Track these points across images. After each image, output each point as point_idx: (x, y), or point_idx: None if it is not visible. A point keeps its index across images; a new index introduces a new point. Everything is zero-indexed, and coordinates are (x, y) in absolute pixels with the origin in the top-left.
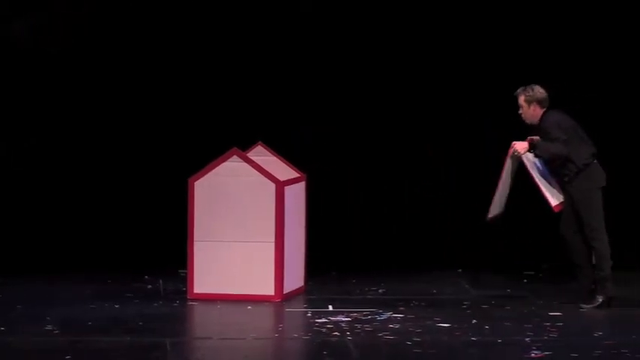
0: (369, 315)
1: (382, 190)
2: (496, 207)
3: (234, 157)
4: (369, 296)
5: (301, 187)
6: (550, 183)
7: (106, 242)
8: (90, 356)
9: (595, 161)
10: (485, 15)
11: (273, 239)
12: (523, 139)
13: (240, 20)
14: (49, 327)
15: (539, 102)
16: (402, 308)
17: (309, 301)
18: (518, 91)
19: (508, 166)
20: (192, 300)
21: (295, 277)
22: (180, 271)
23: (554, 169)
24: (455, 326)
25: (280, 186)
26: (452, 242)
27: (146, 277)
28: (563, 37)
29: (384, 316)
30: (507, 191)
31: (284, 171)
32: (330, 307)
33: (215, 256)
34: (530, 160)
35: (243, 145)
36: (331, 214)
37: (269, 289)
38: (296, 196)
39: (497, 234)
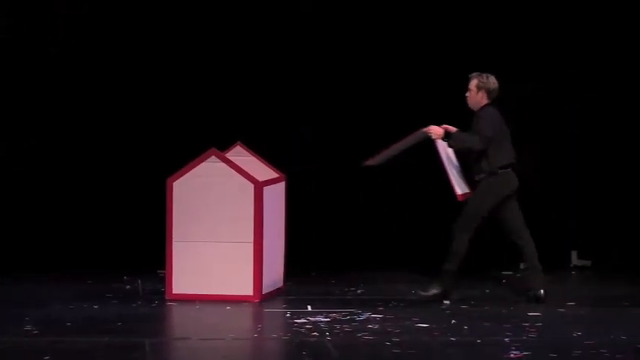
0: (348, 315)
1: (362, 189)
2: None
3: (213, 157)
4: (348, 297)
5: (281, 187)
6: (458, 172)
7: (84, 243)
8: (69, 357)
9: (510, 170)
10: (485, 14)
11: (251, 239)
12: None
13: (239, 20)
14: (28, 327)
15: (489, 92)
16: (381, 308)
17: (288, 302)
18: (473, 74)
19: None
20: (171, 300)
21: (274, 278)
22: (158, 271)
23: (470, 164)
24: (434, 326)
25: (259, 186)
26: (430, 242)
27: (125, 277)
28: (563, 38)
29: (363, 317)
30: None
31: (263, 171)
32: (309, 308)
33: (194, 257)
34: (442, 145)
35: (222, 145)
36: (310, 214)
37: (248, 290)
38: (275, 197)
39: (476, 234)
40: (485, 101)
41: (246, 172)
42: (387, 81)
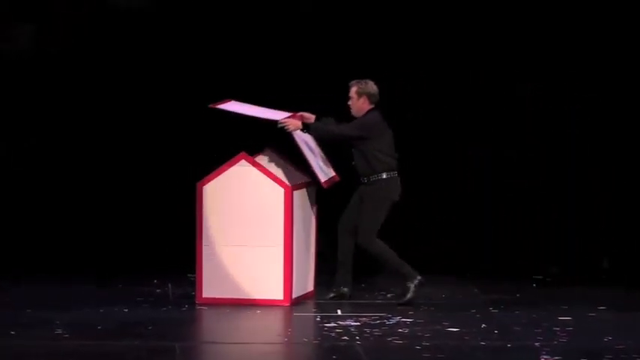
0: (378, 319)
1: (417, 195)
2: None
3: (243, 161)
4: (378, 300)
5: (311, 191)
6: (321, 159)
7: (115, 246)
8: None
9: (395, 175)
10: (485, 15)
11: (281, 243)
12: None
13: (242, 20)
14: (58, 331)
15: (369, 96)
16: (411, 312)
17: (318, 306)
18: (352, 82)
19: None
20: (201, 304)
21: (304, 282)
22: (189, 275)
23: (357, 167)
24: (464, 330)
25: (289, 190)
26: (460, 246)
27: (155, 281)
28: (563, 38)
29: (393, 321)
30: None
31: (293, 175)
32: (339, 312)
33: (224, 261)
34: (300, 137)
35: (251, 149)
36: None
37: (278, 294)
38: (305, 200)
39: (507, 238)
40: (367, 106)
41: (276, 176)
42: (388, 81)
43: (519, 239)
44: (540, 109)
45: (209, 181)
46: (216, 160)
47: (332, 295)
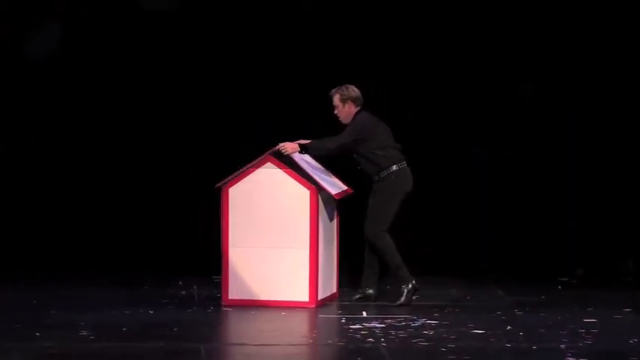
0: (403, 321)
1: (417, 196)
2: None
3: (268, 163)
4: None
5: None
6: (327, 175)
7: (140, 248)
8: None
9: (405, 165)
10: (485, 15)
11: (307, 245)
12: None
13: (242, 20)
14: (83, 332)
15: (354, 100)
16: (436, 314)
17: (343, 307)
18: (333, 91)
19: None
20: (227, 306)
21: (329, 283)
22: (214, 277)
23: (365, 169)
24: (489, 332)
25: (314, 192)
26: (486, 249)
27: (180, 283)
28: (563, 38)
29: (418, 323)
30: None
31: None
32: (365, 314)
33: (249, 263)
34: (300, 159)
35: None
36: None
37: (303, 296)
38: (329, 202)
39: (532, 240)
40: (354, 110)
41: (302, 178)
42: (388, 81)
43: (541, 241)
44: (540, 109)
45: (235, 182)
46: (240, 162)
47: (358, 296)
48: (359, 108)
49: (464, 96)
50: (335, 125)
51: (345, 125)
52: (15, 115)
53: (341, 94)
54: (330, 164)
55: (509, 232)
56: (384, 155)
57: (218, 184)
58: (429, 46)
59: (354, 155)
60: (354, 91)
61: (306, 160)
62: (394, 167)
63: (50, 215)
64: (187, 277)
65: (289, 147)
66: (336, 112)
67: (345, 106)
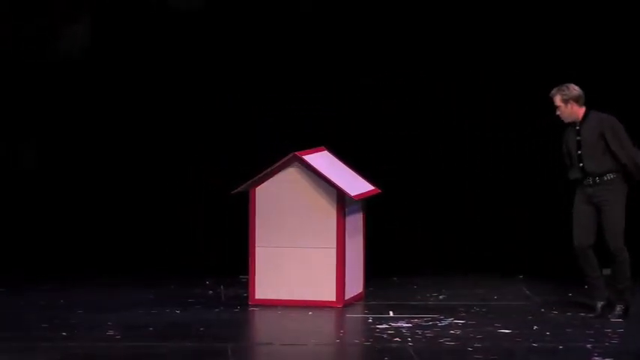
0: (430, 321)
1: (443, 195)
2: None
3: (295, 163)
4: (430, 302)
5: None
6: (349, 175)
7: (168, 247)
8: None
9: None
10: (487, 15)
11: (334, 245)
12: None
13: (242, 20)
14: (110, 332)
15: (576, 99)
16: (463, 314)
17: (370, 307)
18: (553, 91)
19: None
20: (254, 306)
21: (355, 283)
22: (241, 276)
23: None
24: (516, 332)
25: (342, 192)
26: (513, 248)
27: (207, 282)
28: (563, 38)
29: (445, 322)
30: None
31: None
32: (391, 313)
33: (276, 262)
34: (315, 161)
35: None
36: (391, 219)
37: (330, 295)
38: (356, 202)
39: (558, 240)
40: (578, 109)
41: (329, 177)
42: (388, 80)
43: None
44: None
45: (262, 182)
46: (241, 162)
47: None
48: (584, 107)
49: (464, 95)
50: (334, 125)
51: (566, 124)
52: (20, 115)
53: (562, 95)
54: (358, 164)
55: (537, 231)
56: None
57: (245, 184)
58: (429, 44)
59: (590, 150)
60: (575, 89)
61: (330, 160)
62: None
63: (78, 216)
64: (214, 276)
65: None
66: (558, 112)
67: (567, 106)
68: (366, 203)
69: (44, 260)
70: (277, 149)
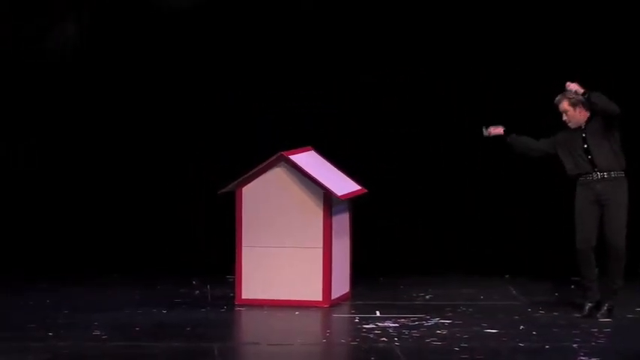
0: (416, 321)
1: (429, 195)
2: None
3: (282, 162)
4: (417, 302)
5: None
6: (335, 175)
7: (154, 247)
8: None
9: None
10: (486, 12)
11: (321, 245)
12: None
13: (243, 19)
14: (97, 332)
15: (584, 104)
16: (449, 314)
17: (356, 307)
18: (558, 98)
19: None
20: (240, 305)
21: (342, 283)
22: (228, 276)
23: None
24: (502, 332)
25: (328, 192)
26: (499, 248)
27: (194, 282)
28: (562, 38)
29: (431, 322)
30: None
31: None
32: (378, 313)
33: (263, 262)
34: (302, 161)
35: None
36: (378, 219)
37: (317, 295)
38: (343, 202)
39: (545, 240)
40: (585, 113)
41: (316, 177)
42: (388, 77)
43: (555, 239)
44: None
45: (248, 182)
46: (241, 161)
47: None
48: (589, 112)
49: (464, 96)
50: (333, 123)
51: (574, 130)
52: (18, 115)
53: (569, 99)
54: (344, 164)
55: (522, 231)
56: (622, 154)
57: (231, 184)
58: (429, 42)
59: (593, 144)
60: (579, 94)
61: (316, 160)
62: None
63: (63, 215)
64: (201, 276)
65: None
66: (565, 118)
67: (576, 110)
68: (353, 203)
69: (31, 261)
70: (276, 147)
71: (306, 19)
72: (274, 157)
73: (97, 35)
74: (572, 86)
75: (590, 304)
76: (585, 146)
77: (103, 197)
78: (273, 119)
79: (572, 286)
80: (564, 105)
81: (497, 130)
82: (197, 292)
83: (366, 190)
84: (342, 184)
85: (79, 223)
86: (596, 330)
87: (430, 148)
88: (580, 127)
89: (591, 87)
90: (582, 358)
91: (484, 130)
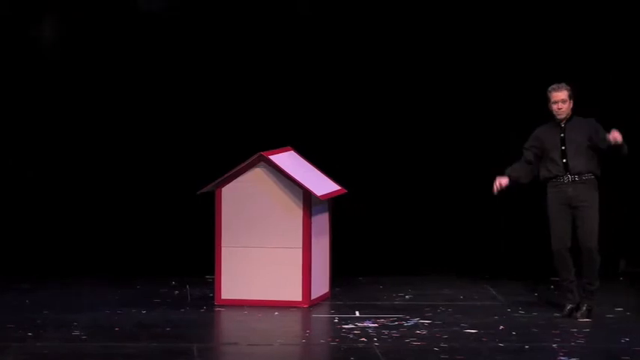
0: (396, 321)
1: (408, 196)
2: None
3: (261, 163)
4: (397, 302)
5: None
6: (315, 175)
7: (133, 248)
8: None
9: None
10: (485, 16)
11: (300, 245)
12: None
13: (241, 22)
14: (76, 332)
15: (571, 98)
16: (429, 314)
17: (336, 307)
18: (559, 86)
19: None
20: (220, 306)
21: (322, 283)
22: (207, 276)
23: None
24: (482, 332)
25: (307, 192)
26: (479, 248)
27: (173, 282)
28: (562, 38)
29: (411, 322)
30: None
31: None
32: (357, 313)
33: (242, 262)
34: (280, 161)
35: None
36: (357, 219)
37: (296, 295)
38: (322, 202)
39: (525, 240)
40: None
41: (295, 178)
42: (388, 79)
43: (535, 240)
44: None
45: (228, 182)
46: (233, 162)
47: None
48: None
49: (465, 97)
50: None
51: (562, 119)
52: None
53: (569, 91)
54: (323, 165)
55: (501, 231)
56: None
57: (211, 185)
58: (427, 47)
59: (575, 148)
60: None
61: (296, 160)
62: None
63: (41, 216)
64: (180, 276)
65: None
66: (558, 107)
67: (571, 102)
68: (333, 203)
69: (11, 262)
70: (255, 147)
71: (282, 21)
72: (254, 158)
73: (91, 37)
74: (618, 136)
75: (570, 306)
76: (563, 148)
77: (83, 198)
78: (252, 119)
79: (552, 286)
80: (563, 94)
81: (504, 181)
82: (177, 292)
83: (345, 191)
84: (322, 185)
85: (59, 224)
86: (575, 330)
87: (410, 148)
88: (561, 124)
89: (591, 87)
90: (562, 358)
91: (495, 187)
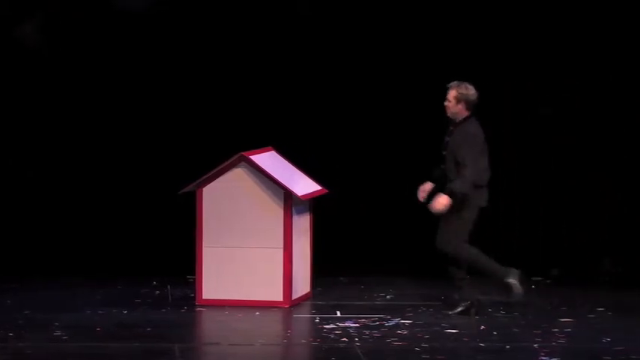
0: (377, 321)
1: (389, 195)
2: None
3: (242, 163)
4: (377, 302)
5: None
6: (296, 175)
7: (114, 248)
8: None
9: (485, 187)
10: (484, 16)
11: (281, 245)
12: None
13: (240, 23)
14: (57, 333)
15: (467, 103)
16: (410, 314)
17: (317, 307)
18: (453, 84)
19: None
20: (201, 306)
21: (303, 283)
22: (188, 277)
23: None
24: (463, 332)
25: (289, 192)
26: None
27: (154, 282)
28: (561, 38)
29: (392, 322)
30: None
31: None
32: (339, 313)
33: (223, 262)
34: (262, 161)
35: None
36: (338, 219)
37: (277, 295)
38: (303, 202)
39: (506, 239)
40: (465, 113)
41: (276, 177)
42: (388, 80)
43: (515, 240)
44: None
45: (209, 182)
46: (214, 162)
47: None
48: (469, 113)
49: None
50: (292, 126)
51: (449, 119)
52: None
53: (458, 93)
54: (304, 165)
55: (483, 231)
56: (473, 172)
57: (192, 185)
58: (427, 47)
59: (445, 154)
60: (472, 93)
61: (277, 161)
62: (476, 186)
63: (22, 216)
64: (161, 277)
65: (441, 207)
66: (446, 104)
67: (457, 105)
68: (314, 203)
69: None
70: (236, 147)
71: (302, 24)
72: (235, 158)
73: (83, 37)
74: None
75: (464, 303)
76: (443, 153)
77: (63, 198)
78: (233, 119)
79: (533, 286)
80: (450, 95)
81: (427, 187)
82: (158, 292)
83: (326, 190)
84: (303, 185)
85: (39, 224)
86: (556, 330)
87: (391, 147)
88: (451, 126)
89: (591, 87)
90: (543, 358)
91: (420, 196)
